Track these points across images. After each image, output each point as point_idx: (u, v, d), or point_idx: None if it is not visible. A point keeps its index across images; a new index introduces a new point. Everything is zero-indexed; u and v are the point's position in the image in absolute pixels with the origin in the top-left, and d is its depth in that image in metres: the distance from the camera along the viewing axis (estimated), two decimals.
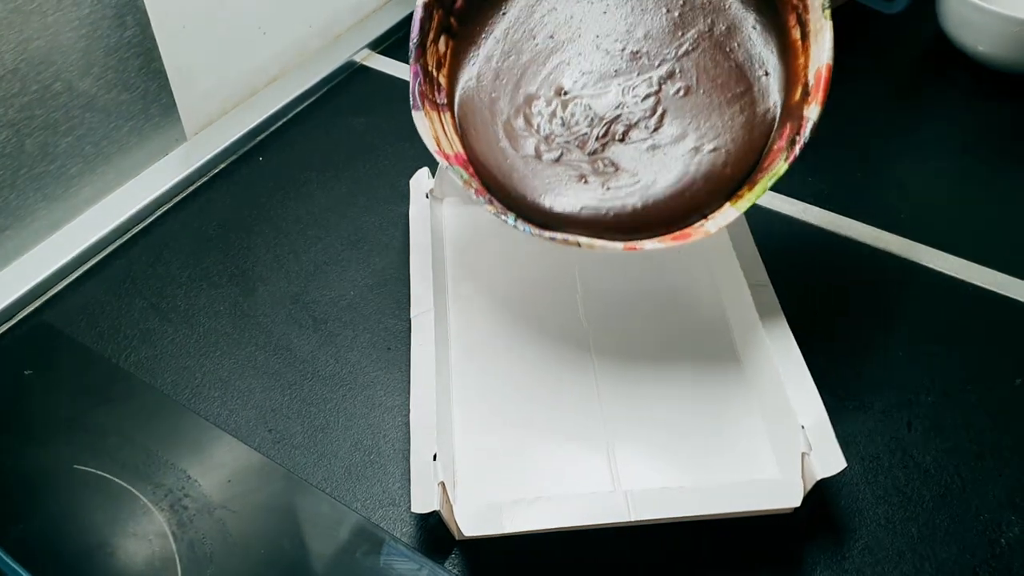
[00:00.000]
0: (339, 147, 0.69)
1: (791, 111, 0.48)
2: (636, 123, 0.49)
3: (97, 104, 0.61)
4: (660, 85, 0.49)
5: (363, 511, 0.47)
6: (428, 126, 0.48)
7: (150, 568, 0.45)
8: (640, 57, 0.50)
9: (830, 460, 0.44)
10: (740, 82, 0.49)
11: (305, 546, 0.46)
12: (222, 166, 0.67)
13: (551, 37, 0.51)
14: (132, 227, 0.63)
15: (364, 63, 0.77)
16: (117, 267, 0.60)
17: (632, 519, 0.43)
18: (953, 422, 0.51)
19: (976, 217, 0.63)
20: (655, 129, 0.49)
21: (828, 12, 0.46)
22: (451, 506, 0.43)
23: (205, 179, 0.66)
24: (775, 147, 0.48)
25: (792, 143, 0.47)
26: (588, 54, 0.50)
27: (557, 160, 0.48)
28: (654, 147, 0.48)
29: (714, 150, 0.48)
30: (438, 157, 0.48)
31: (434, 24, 0.49)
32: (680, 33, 0.50)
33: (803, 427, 0.45)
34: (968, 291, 0.58)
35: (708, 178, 0.48)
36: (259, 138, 0.70)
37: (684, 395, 0.51)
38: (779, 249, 0.60)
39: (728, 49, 0.49)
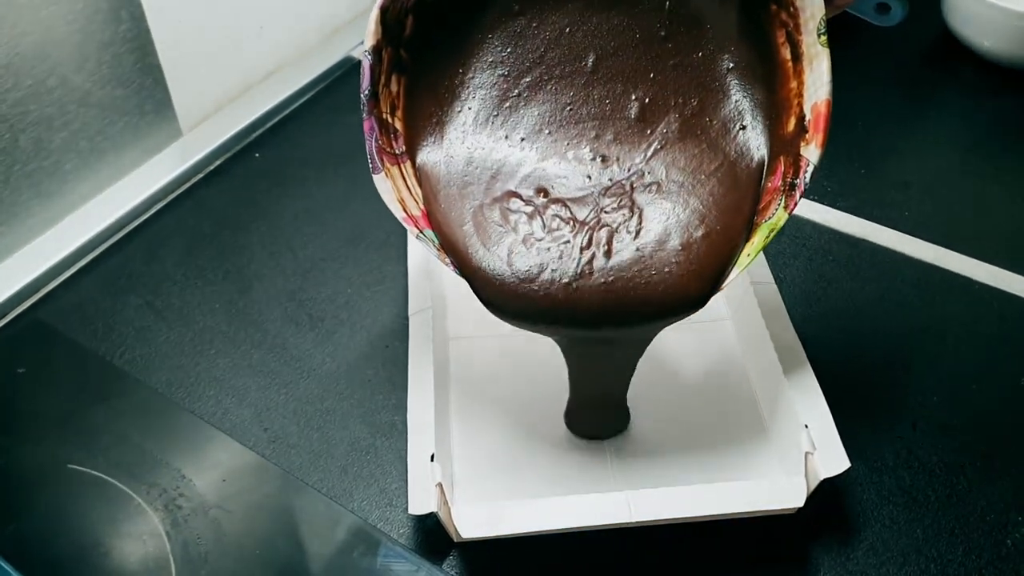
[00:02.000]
0: (336, 143, 0.68)
1: (784, 144, 0.43)
2: (617, 229, 0.44)
3: (92, 100, 0.61)
4: (631, 188, 0.45)
5: (360, 512, 0.47)
6: (391, 188, 0.44)
7: (144, 568, 0.44)
8: (610, 163, 0.46)
9: (834, 460, 0.44)
10: (713, 158, 0.45)
11: (301, 547, 0.45)
12: (218, 163, 0.67)
13: (521, 135, 0.47)
14: (127, 224, 0.62)
15: (362, 59, 0.76)
16: (112, 264, 0.60)
17: (633, 520, 0.42)
18: (959, 422, 0.50)
19: (983, 214, 0.63)
20: (636, 234, 0.44)
21: (824, 39, 0.42)
22: (449, 507, 0.42)
23: (201, 176, 0.66)
24: (769, 186, 0.44)
25: (792, 187, 0.43)
26: (560, 158, 0.46)
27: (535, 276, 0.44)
28: (641, 256, 0.43)
29: (705, 235, 0.43)
30: (406, 225, 0.44)
31: (384, 66, 0.45)
32: (648, 131, 0.46)
33: (806, 427, 0.45)
34: (974, 289, 0.57)
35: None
36: (255, 134, 0.69)
37: (686, 394, 0.51)
38: (783, 247, 0.60)
39: (699, 130, 0.45)
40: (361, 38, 0.77)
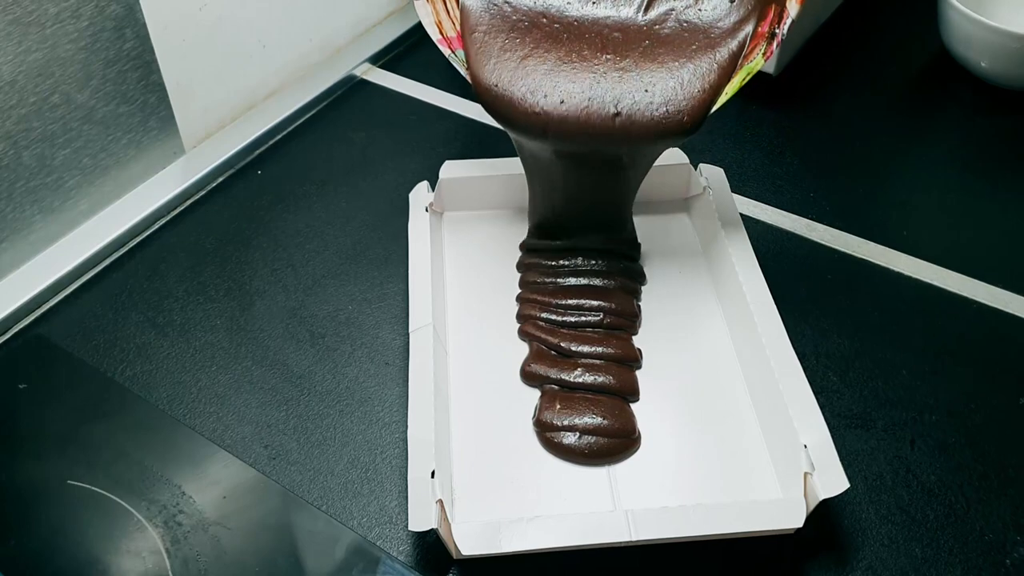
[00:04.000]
0: (338, 161, 0.69)
1: None
2: (623, 64, 0.51)
3: (95, 116, 0.61)
4: (639, 31, 0.52)
5: (360, 529, 0.47)
6: (430, 11, 0.51)
7: None
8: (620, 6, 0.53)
9: (833, 480, 0.44)
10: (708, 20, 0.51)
11: (301, 564, 0.45)
12: (220, 179, 0.67)
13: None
14: (129, 240, 0.62)
15: (364, 77, 0.77)
16: (113, 280, 0.60)
17: (633, 539, 0.43)
18: (957, 441, 0.51)
19: (979, 234, 0.63)
20: (638, 69, 0.50)
21: None
22: (449, 524, 0.42)
23: (203, 192, 0.66)
24: (759, 30, 0.50)
25: (772, 36, 0.49)
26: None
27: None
28: (642, 87, 0.50)
29: (700, 76, 0.50)
30: (440, 46, 0.51)
31: None
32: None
33: (805, 446, 0.45)
34: (972, 308, 0.58)
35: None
36: (258, 151, 0.70)
37: (685, 413, 0.51)
38: (781, 266, 0.60)
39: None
40: (362, 58, 0.78)
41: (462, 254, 0.60)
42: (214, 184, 0.67)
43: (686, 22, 0.51)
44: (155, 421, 0.51)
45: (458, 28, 0.51)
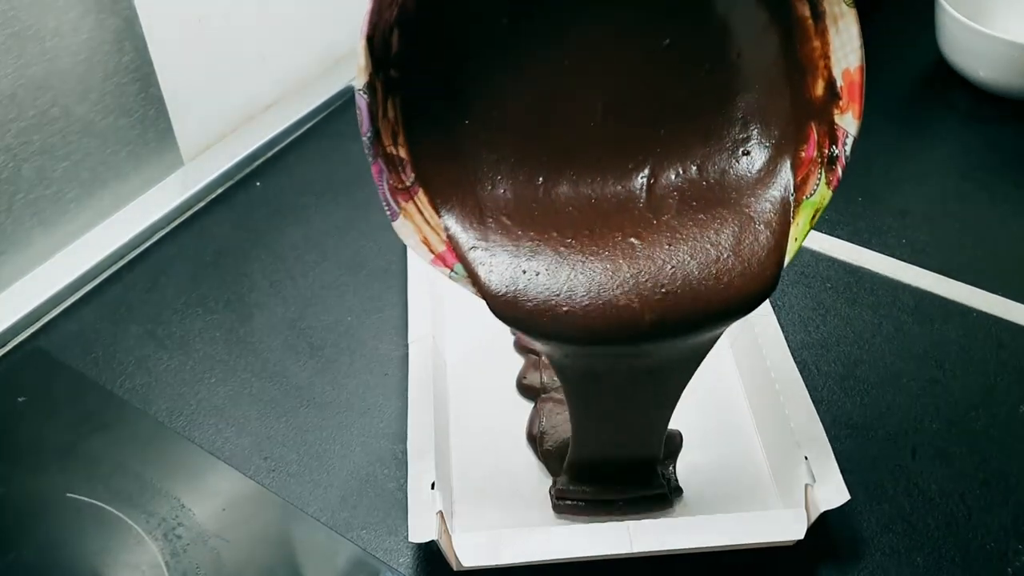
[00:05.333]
0: (337, 172, 0.69)
1: (813, 110, 0.41)
2: (654, 255, 0.41)
3: (94, 129, 0.61)
4: (663, 213, 0.42)
5: (359, 541, 0.47)
6: (412, 230, 0.41)
7: None
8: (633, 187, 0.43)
9: (833, 492, 0.44)
10: (732, 162, 0.43)
11: None
12: (219, 191, 0.67)
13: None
14: (128, 253, 0.62)
15: (357, 99, 0.76)
16: (113, 293, 0.60)
17: (634, 551, 0.42)
18: (958, 449, 0.50)
19: (979, 242, 0.63)
20: (679, 257, 0.41)
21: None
22: (449, 536, 0.42)
23: (202, 204, 0.66)
24: (803, 156, 0.41)
25: (832, 160, 0.41)
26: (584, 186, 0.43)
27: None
28: (690, 272, 0.41)
29: (751, 239, 0.41)
30: (435, 267, 0.41)
31: (379, 98, 0.41)
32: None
33: (806, 458, 0.45)
34: (972, 316, 0.58)
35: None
36: (257, 163, 0.70)
37: (685, 425, 0.51)
38: (781, 276, 0.60)
39: (717, 140, 0.43)
40: None
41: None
42: (213, 196, 0.67)
43: (715, 169, 0.42)
44: (154, 433, 0.51)
45: (444, 239, 0.41)
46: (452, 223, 0.42)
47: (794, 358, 0.50)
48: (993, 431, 0.51)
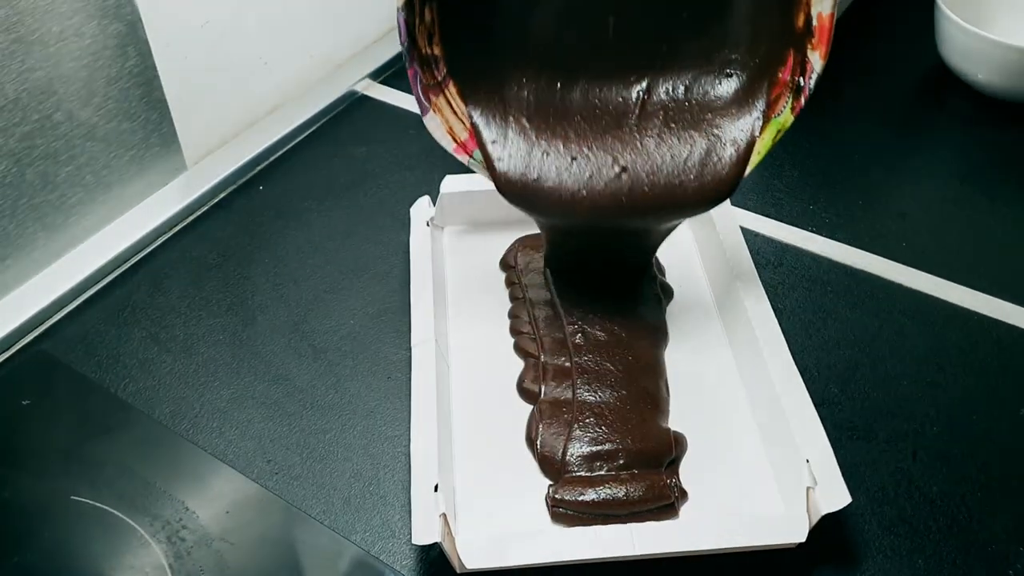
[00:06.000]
0: (340, 176, 0.69)
1: (794, 38, 0.48)
2: (642, 144, 0.51)
3: (98, 134, 0.61)
4: (653, 113, 0.51)
5: (363, 543, 0.47)
6: (439, 123, 0.49)
7: None
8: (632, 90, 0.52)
9: (835, 494, 0.44)
10: (719, 69, 0.51)
11: None
12: (222, 195, 0.67)
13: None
14: (132, 256, 0.62)
15: (365, 93, 0.77)
16: (116, 296, 0.60)
17: (636, 553, 0.43)
18: (959, 452, 0.51)
19: (979, 244, 0.63)
20: (659, 149, 0.51)
21: None
22: (453, 538, 0.42)
23: (205, 208, 0.66)
24: (780, 77, 0.49)
25: (798, 89, 0.48)
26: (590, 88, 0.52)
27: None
28: (665, 164, 0.50)
29: (721, 144, 0.50)
30: (457, 155, 0.50)
31: (416, 8, 0.47)
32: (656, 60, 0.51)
33: (807, 461, 0.45)
34: (972, 319, 0.58)
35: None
36: (260, 167, 0.70)
37: (687, 428, 0.51)
38: (781, 279, 0.60)
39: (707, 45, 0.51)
40: (363, 73, 0.79)
41: (463, 268, 0.60)
42: (216, 200, 0.67)
43: (700, 90, 0.51)
44: (158, 436, 0.51)
45: (468, 126, 0.50)
46: (477, 114, 0.50)
47: (795, 361, 0.50)
48: (994, 434, 0.51)
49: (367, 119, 0.75)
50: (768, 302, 0.54)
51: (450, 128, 0.50)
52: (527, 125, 0.50)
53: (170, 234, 0.64)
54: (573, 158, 0.50)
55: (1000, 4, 0.78)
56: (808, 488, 0.44)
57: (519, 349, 0.54)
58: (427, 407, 0.48)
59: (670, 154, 0.50)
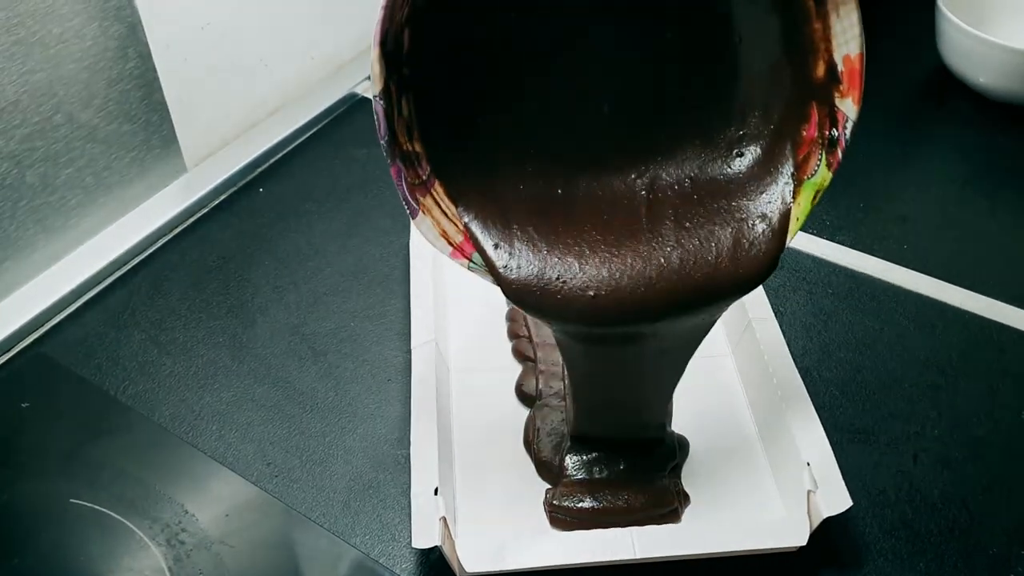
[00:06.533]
0: (340, 178, 0.69)
1: (814, 90, 0.42)
2: (661, 240, 0.44)
3: (98, 135, 0.61)
4: (666, 206, 0.45)
5: (362, 546, 0.47)
6: (431, 224, 0.42)
7: None
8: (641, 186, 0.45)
9: (836, 498, 0.44)
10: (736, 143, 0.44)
11: None
12: (223, 197, 0.67)
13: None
14: (132, 258, 0.62)
15: (366, 95, 0.77)
16: (116, 299, 0.60)
17: (637, 557, 0.42)
18: (960, 454, 0.50)
19: (980, 247, 0.63)
20: (682, 242, 0.44)
21: None
22: (453, 542, 0.42)
23: (205, 210, 0.66)
24: (805, 135, 0.43)
25: (832, 142, 0.42)
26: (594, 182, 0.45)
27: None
28: (693, 254, 0.43)
29: (751, 223, 0.43)
30: (455, 259, 0.43)
31: (393, 99, 0.42)
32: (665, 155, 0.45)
33: (808, 464, 0.45)
34: (973, 322, 0.58)
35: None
36: (260, 169, 0.70)
37: (686, 431, 0.51)
38: (782, 280, 0.60)
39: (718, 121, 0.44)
40: (364, 75, 0.79)
41: (463, 271, 0.60)
42: (216, 202, 0.67)
43: (709, 178, 0.44)
44: (157, 439, 0.51)
45: (461, 228, 0.43)
46: (470, 217, 0.43)
47: (796, 364, 0.50)
48: (995, 437, 0.51)
49: (368, 121, 0.74)
50: (769, 305, 0.54)
51: (443, 231, 0.43)
52: (528, 227, 0.44)
53: (170, 236, 0.64)
54: (585, 262, 0.43)
55: (1001, 7, 0.78)
56: (809, 491, 0.44)
57: (517, 352, 0.54)
58: (427, 410, 0.48)
59: (692, 258, 0.43)
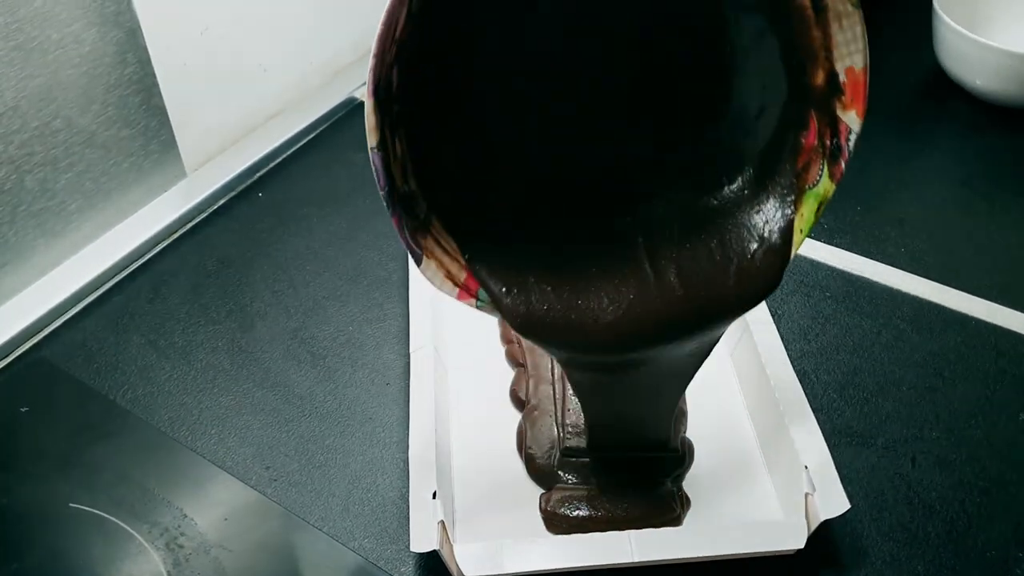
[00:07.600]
0: (339, 183, 0.69)
1: (813, 98, 0.41)
2: (663, 267, 0.44)
3: (97, 140, 0.62)
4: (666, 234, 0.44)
5: (361, 550, 0.47)
6: (435, 268, 0.41)
7: None
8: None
9: (833, 501, 0.44)
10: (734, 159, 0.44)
11: None
12: (222, 202, 0.68)
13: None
14: (131, 263, 0.62)
15: (364, 99, 0.77)
16: (115, 303, 0.60)
17: (635, 560, 0.42)
18: (958, 457, 0.51)
19: (978, 250, 0.63)
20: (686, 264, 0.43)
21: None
22: (451, 545, 0.42)
23: (204, 215, 0.66)
24: (804, 143, 0.42)
25: (835, 152, 0.42)
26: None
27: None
28: (698, 275, 0.43)
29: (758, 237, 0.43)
30: (462, 302, 0.43)
31: (389, 144, 0.42)
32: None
33: (806, 467, 0.45)
34: (971, 324, 0.58)
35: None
36: (259, 174, 0.70)
37: (686, 434, 0.51)
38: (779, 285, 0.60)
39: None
40: (362, 80, 0.79)
41: None
42: (215, 207, 0.67)
43: (712, 184, 0.44)
44: (157, 443, 0.51)
45: (463, 264, 0.43)
46: (470, 251, 0.43)
47: (794, 367, 0.50)
48: (993, 439, 0.51)
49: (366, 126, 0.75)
50: (767, 308, 0.54)
51: (447, 271, 0.42)
52: (532, 261, 0.43)
53: (169, 241, 0.64)
54: (591, 291, 0.43)
55: (998, 10, 0.78)
56: (807, 494, 0.44)
57: (510, 357, 0.54)
58: (426, 413, 0.48)
59: (697, 278, 0.43)
